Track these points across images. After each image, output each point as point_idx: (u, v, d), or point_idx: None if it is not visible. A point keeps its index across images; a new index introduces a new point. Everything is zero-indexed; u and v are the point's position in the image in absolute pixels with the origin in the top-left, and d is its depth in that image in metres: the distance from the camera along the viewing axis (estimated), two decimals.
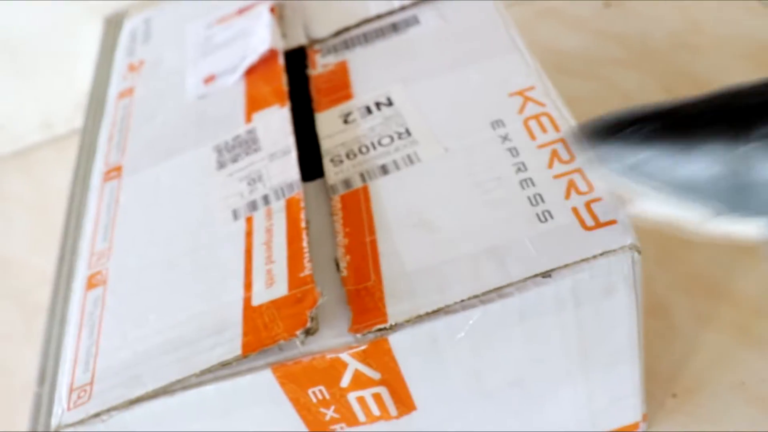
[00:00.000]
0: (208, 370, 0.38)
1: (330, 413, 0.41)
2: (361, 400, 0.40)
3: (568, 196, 0.40)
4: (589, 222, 0.39)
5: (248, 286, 0.40)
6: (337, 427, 0.42)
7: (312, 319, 0.37)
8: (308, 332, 0.37)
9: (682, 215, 0.34)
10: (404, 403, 0.41)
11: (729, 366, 0.52)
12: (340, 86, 0.52)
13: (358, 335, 0.37)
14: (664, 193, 0.34)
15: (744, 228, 0.32)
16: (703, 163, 0.31)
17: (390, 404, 0.41)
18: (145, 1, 0.90)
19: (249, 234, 0.43)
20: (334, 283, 0.40)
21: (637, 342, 0.42)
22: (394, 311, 0.38)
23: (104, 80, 0.77)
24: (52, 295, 0.72)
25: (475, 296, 0.37)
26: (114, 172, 0.52)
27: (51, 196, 1.04)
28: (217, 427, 0.41)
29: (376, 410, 0.41)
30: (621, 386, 0.45)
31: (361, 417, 0.41)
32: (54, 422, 0.40)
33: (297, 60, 0.55)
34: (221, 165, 0.48)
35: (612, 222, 0.39)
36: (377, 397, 0.40)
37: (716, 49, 0.76)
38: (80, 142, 0.92)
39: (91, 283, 0.45)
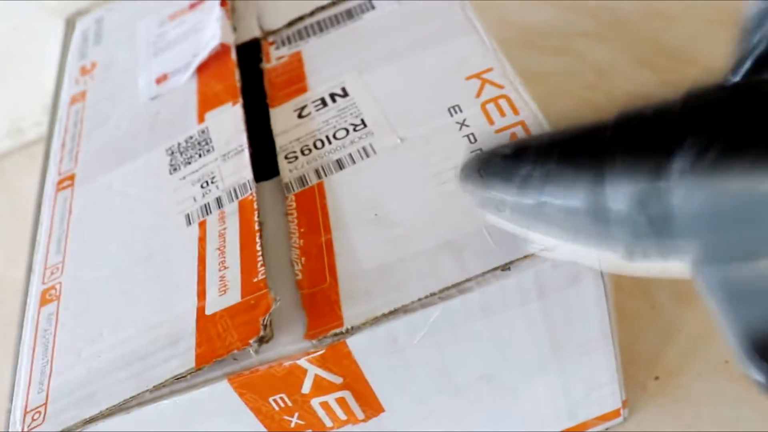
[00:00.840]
0: (163, 385, 0.36)
1: (294, 420, 0.39)
2: (326, 406, 0.39)
3: None
4: None
5: (201, 294, 0.39)
6: None
7: (265, 326, 0.36)
8: (262, 340, 0.36)
9: (592, 260, 0.32)
10: (371, 406, 0.40)
11: (711, 345, 0.51)
12: (295, 79, 0.50)
13: (315, 341, 0.36)
14: (566, 235, 0.32)
15: (666, 265, 0.30)
16: (612, 201, 0.29)
17: (356, 408, 0.39)
18: (106, 0, 0.89)
19: (202, 239, 0.41)
20: (290, 287, 0.38)
21: (609, 329, 0.41)
22: (351, 313, 0.36)
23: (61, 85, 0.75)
24: (20, 309, 0.70)
25: (434, 293, 0.36)
26: (67, 181, 0.51)
27: (24, 204, 1.02)
28: None
29: (342, 414, 0.40)
30: (597, 375, 0.44)
31: (328, 422, 0.40)
32: None
33: (251, 53, 0.53)
34: (174, 168, 0.47)
35: None
36: (342, 402, 0.39)
37: (688, 17, 0.75)
38: (45, 149, 0.90)
39: (44, 299, 0.44)
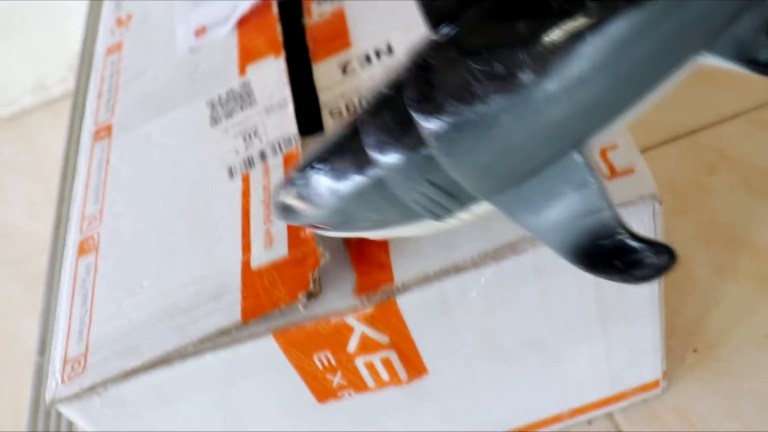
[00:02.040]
0: (207, 338, 0.36)
1: (337, 380, 0.39)
2: (370, 365, 0.38)
3: None
4: (606, 171, 0.36)
5: (246, 247, 0.38)
6: (344, 393, 0.40)
7: (314, 281, 0.35)
8: (310, 295, 0.35)
9: (415, 232, 0.34)
10: (415, 367, 0.39)
11: (751, 318, 0.50)
12: (338, 35, 0.49)
13: (364, 298, 0.35)
14: (383, 225, 0.34)
15: (473, 212, 0.32)
16: (393, 185, 0.31)
17: (400, 369, 0.39)
18: None
19: (246, 193, 0.41)
20: (337, 244, 0.38)
21: (657, 297, 0.40)
22: (401, 271, 0.36)
23: (93, 37, 0.74)
24: (49, 263, 0.70)
25: (487, 253, 0.35)
26: (104, 131, 0.50)
27: (47, 160, 1.02)
28: (220, 396, 0.39)
29: (385, 375, 0.39)
30: (641, 344, 0.43)
31: (370, 383, 0.39)
32: (48, 396, 0.38)
33: (291, 8, 0.52)
34: (215, 121, 0.46)
35: (630, 171, 0.36)
36: (386, 362, 0.38)
37: None
38: (72, 103, 0.90)
39: (82, 249, 0.43)
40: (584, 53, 0.26)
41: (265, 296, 0.36)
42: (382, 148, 0.31)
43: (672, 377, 0.49)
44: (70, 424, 0.60)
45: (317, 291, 0.35)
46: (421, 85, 0.29)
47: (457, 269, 0.35)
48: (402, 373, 0.39)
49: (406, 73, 0.30)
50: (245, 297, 0.36)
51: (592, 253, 0.29)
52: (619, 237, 0.28)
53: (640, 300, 0.40)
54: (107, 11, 0.61)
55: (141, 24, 0.57)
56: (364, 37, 0.48)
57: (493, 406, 0.44)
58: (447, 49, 0.29)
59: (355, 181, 0.32)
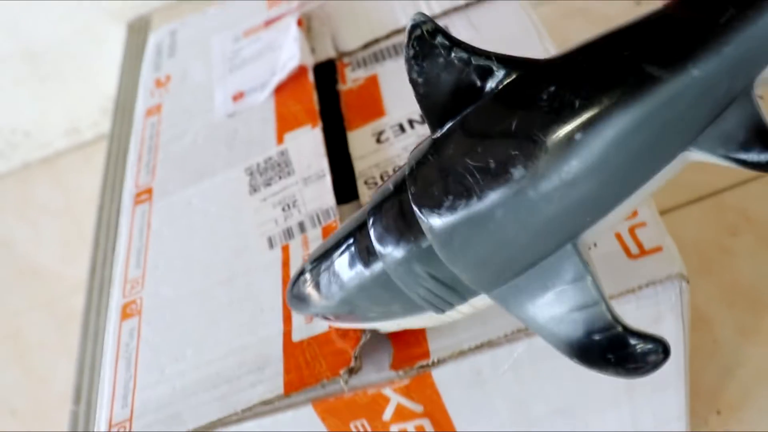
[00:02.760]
0: (250, 409, 0.37)
1: None
2: None
3: None
4: (634, 250, 0.38)
5: (287, 319, 0.40)
6: None
7: (356, 358, 0.36)
8: (352, 371, 0.36)
9: (417, 324, 0.36)
10: None
11: None
12: (372, 102, 0.51)
13: (401, 371, 0.37)
14: (384, 317, 0.36)
15: (472, 305, 0.33)
16: (396, 277, 0.33)
17: None
18: (169, 4, 0.90)
19: (285, 264, 0.42)
20: None
21: (683, 366, 0.41)
22: (437, 346, 0.37)
23: (129, 88, 0.77)
24: (84, 310, 0.71)
25: (520, 329, 0.37)
26: (144, 194, 0.52)
27: (80, 203, 1.04)
28: None
29: None
30: (667, 411, 0.44)
31: None
32: None
33: (326, 73, 0.54)
34: (254, 189, 0.47)
35: (658, 249, 0.38)
36: (420, 429, 0.40)
37: None
38: (107, 151, 0.92)
39: (125, 313, 0.45)
40: (574, 151, 0.27)
41: (307, 370, 0.37)
42: (386, 241, 0.32)
43: None
44: None
45: (358, 366, 0.37)
46: (421, 180, 0.31)
47: (490, 344, 0.37)
48: None
49: (409, 170, 0.32)
50: (287, 370, 0.38)
51: (586, 347, 0.30)
52: (613, 331, 0.29)
53: (667, 371, 0.41)
54: (146, 72, 0.63)
55: (180, 86, 0.59)
56: (397, 105, 0.50)
57: None
58: (445, 146, 0.31)
59: (360, 273, 0.34)
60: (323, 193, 0.45)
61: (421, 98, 0.32)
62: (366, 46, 0.55)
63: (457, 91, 0.31)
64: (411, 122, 0.48)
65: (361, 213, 0.35)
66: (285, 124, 0.51)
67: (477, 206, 0.29)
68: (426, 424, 0.39)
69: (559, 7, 0.85)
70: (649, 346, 0.29)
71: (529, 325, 0.31)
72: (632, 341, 0.29)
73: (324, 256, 0.36)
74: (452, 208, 0.29)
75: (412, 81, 0.31)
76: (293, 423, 0.38)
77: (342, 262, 0.35)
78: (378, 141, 0.48)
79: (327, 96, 0.52)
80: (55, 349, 0.90)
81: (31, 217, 1.06)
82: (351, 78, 0.53)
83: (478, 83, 0.30)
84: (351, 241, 0.35)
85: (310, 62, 0.54)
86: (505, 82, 0.30)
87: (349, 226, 0.35)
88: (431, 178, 0.31)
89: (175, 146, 0.54)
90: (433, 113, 0.32)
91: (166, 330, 0.43)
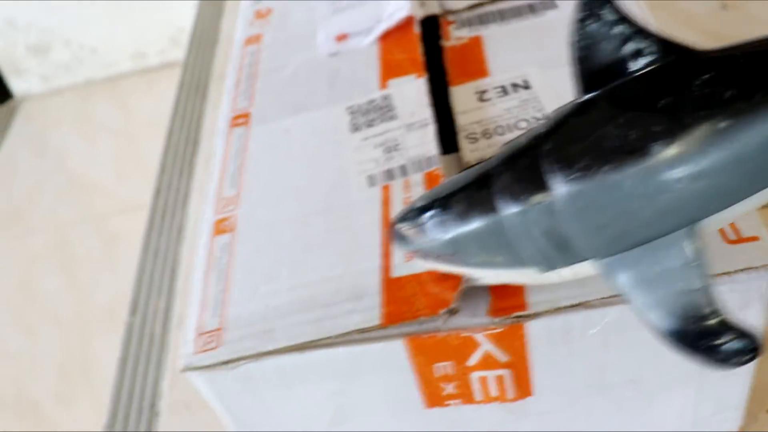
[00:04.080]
0: (344, 335, 0.38)
1: (449, 389, 0.41)
2: (483, 380, 0.41)
3: None
4: (732, 236, 0.39)
5: (386, 255, 0.41)
6: (452, 402, 0.42)
7: (457, 299, 0.38)
8: (451, 312, 0.38)
9: (516, 279, 0.37)
10: (523, 388, 0.42)
11: None
12: (474, 62, 0.52)
13: (496, 319, 0.38)
14: (484, 265, 0.36)
15: (575, 270, 0.34)
16: (508, 225, 0.33)
17: (509, 387, 0.41)
18: None
19: (386, 203, 0.43)
20: None
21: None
22: (534, 300, 0.38)
23: (208, 20, 0.78)
24: (146, 228, 0.73)
25: (616, 295, 0.38)
26: (242, 118, 0.53)
27: (138, 126, 1.06)
28: (337, 389, 0.41)
29: (494, 391, 0.42)
30: (729, 397, 0.45)
31: (478, 396, 0.42)
32: (182, 363, 0.40)
33: (430, 28, 0.55)
34: (356, 127, 0.48)
35: (755, 238, 0.38)
36: (499, 379, 0.41)
37: None
38: (181, 78, 0.93)
39: (218, 229, 0.46)
40: (716, 140, 0.28)
41: (406, 305, 0.38)
42: (510, 193, 0.33)
43: None
44: (155, 382, 0.63)
45: (457, 308, 0.38)
46: (559, 140, 0.32)
47: (586, 305, 0.38)
48: (510, 391, 0.42)
49: (546, 129, 0.33)
50: (385, 303, 0.39)
51: (680, 331, 0.31)
52: (710, 321, 0.30)
53: None
54: (246, 2, 0.63)
55: (281, 20, 0.60)
56: (501, 68, 0.51)
57: None
58: (590, 111, 0.32)
59: (475, 221, 0.35)
60: (426, 141, 0.46)
61: (576, 61, 0.32)
62: (472, 7, 0.56)
63: (612, 62, 0.32)
64: (515, 86, 0.49)
65: (485, 163, 0.36)
66: (389, 70, 0.52)
67: (609, 174, 0.30)
68: (506, 374, 0.41)
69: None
70: (742, 343, 0.30)
71: (629, 299, 0.32)
72: (727, 335, 0.30)
73: (439, 196, 0.37)
74: (585, 171, 0.30)
75: (572, 43, 0.32)
76: (381, 356, 0.39)
77: (458, 203, 0.36)
78: (480, 99, 0.49)
79: (430, 50, 0.53)
80: (100, 263, 0.91)
81: (89, 134, 1.07)
82: (455, 36, 0.54)
83: (635, 59, 0.31)
84: (472, 185, 0.36)
85: (417, 14, 0.54)
86: (661, 62, 0.31)
87: (470, 174, 0.36)
88: (569, 138, 0.32)
89: (275, 77, 0.55)
90: (583, 78, 0.32)
91: (261, 250, 0.44)
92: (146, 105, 1.07)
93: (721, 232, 0.39)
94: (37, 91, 1.15)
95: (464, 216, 0.35)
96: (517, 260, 0.35)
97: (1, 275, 0.92)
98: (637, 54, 0.31)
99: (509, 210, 0.33)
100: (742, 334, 0.30)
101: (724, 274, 0.38)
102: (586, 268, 0.34)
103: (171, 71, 1.03)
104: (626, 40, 0.31)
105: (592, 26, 0.32)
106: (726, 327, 0.30)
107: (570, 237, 0.32)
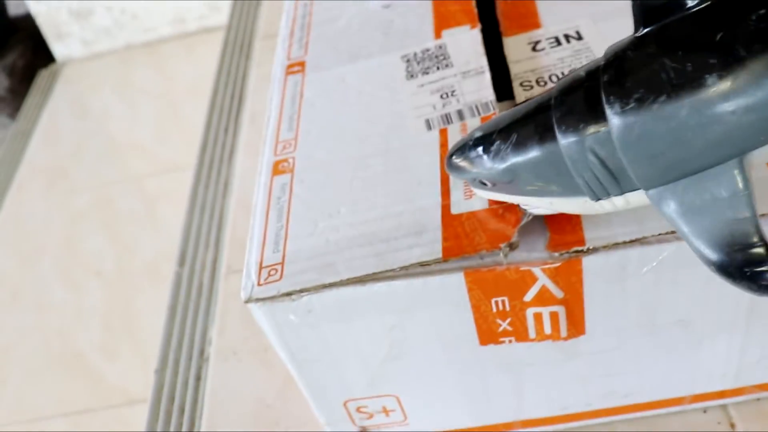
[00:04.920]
0: (406, 268, 0.39)
1: (504, 325, 0.42)
2: (538, 317, 0.42)
3: None
4: None
5: (445, 194, 0.42)
6: (506, 339, 0.43)
7: (517, 234, 0.39)
8: (511, 247, 0.38)
9: (569, 207, 0.38)
10: (576, 326, 0.43)
11: None
12: (527, 13, 0.52)
13: (555, 253, 0.39)
14: (541, 192, 0.38)
15: (628, 199, 0.35)
16: (566, 152, 0.35)
17: (563, 325, 0.42)
18: None
19: (444, 145, 0.44)
20: None
21: None
22: (592, 235, 0.39)
23: None
24: (193, 183, 0.74)
25: (672, 232, 0.38)
26: (297, 66, 0.54)
27: (177, 90, 1.07)
28: (394, 323, 0.42)
29: (548, 329, 0.43)
30: None
31: (532, 333, 0.43)
32: (244, 295, 0.42)
33: None
34: (411, 75, 0.49)
35: None
36: (554, 316, 0.42)
37: None
38: (225, 38, 0.94)
39: (277, 170, 0.47)
40: (766, 74, 0.29)
41: (466, 240, 0.39)
42: (568, 120, 0.34)
43: None
44: (204, 329, 0.64)
45: (517, 244, 0.39)
46: (617, 72, 0.33)
47: (641, 241, 0.38)
48: (563, 329, 0.43)
49: (605, 61, 0.34)
50: (446, 237, 0.40)
51: (727, 258, 0.32)
52: (756, 248, 0.31)
53: None
54: None
55: None
56: (553, 20, 0.51)
57: (629, 377, 0.47)
58: (647, 44, 0.32)
59: (534, 148, 0.36)
60: (482, 87, 0.47)
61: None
62: None
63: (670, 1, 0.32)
64: (567, 37, 0.50)
65: (543, 95, 0.37)
66: (443, 21, 0.52)
67: (665, 104, 0.31)
68: (561, 312, 0.41)
69: None
70: None
71: (678, 227, 0.33)
72: None
73: (497, 125, 0.38)
74: (641, 102, 0.31)
75: None
76: (441, 289, 0.40)
77: (517, 133, 0.37)
78: (534, 49, 0.49)
79: (483, 2, 0.54)
80: (142, 221, 0.93)
81: (130, 97, 1.09)
82: None
83: None
84: (530, 115, 0.37)
85: None
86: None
87: (528, 105, 0.37)
88: (626, 70, 0.32)
89: (329, 28, 0.56)
90: (641, 13, 0.33)
91: (320, 189, 0.45)
92: (186, 70, 1.08)
93: None
94: (79, 55, 1.16)
95: (522, 144, 0.36)
96: (571, 188, 0.36)
97: (46, 232, 0.94)
98: None
99: (567, 138, 0.34)
100: None
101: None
102: (638, 198, 0.35)
103: (210, 36, 1.04)
104: None
105: None
106: None
107: (624, 165, 0.33)
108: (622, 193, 0.35)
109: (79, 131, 1.06)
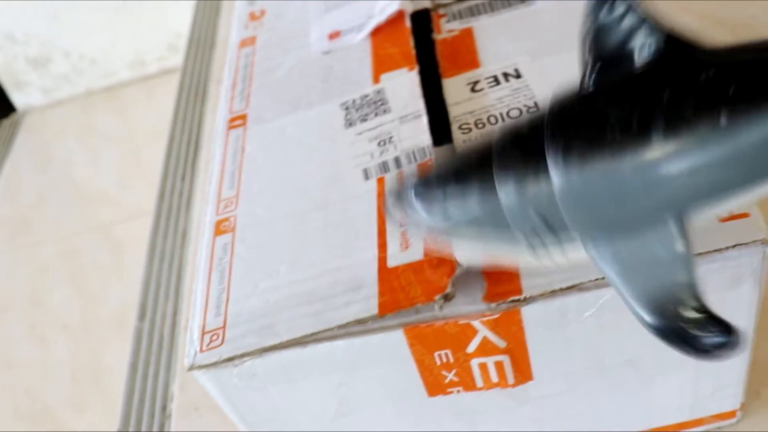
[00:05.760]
0: (344, 326, 0.39)
1: (450, 376, 0.42)
2: (483, 367, 0.41)
3: None
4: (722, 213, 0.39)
5: (382, 246, 0.41)
6: (454, 390, 0.43)
7: (452, 285, 0.38)
8: (446, 298, 0.38)
9: (507, 259, 0.38)
10: (522, 373, 0.42)
11: None
12: (466, 53, 0.52)
13: (492, 304, 0.38)
14: (480, 243, 0.37)
15: (567, 255, 0.34)
16: (504, 205, 0.34)
17: (509, 373, 0.42)
18: None
19: (381, 195, 0.44)
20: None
21: (751, 333, 0.43)
22: (529, 284, 0.39)
23: (205, 24, 0.78)
24: (151, 233, 0.74)
25: None
26: (239, 120, 0.53)
27: (140, 134, 1.07)
28: (340, 382, 0.42)
29: (495, 377, 0.42)
30: (728, 374, 0.46)
31: (479, 383, 0.42)
32: (188, 362, 0.41)
33: (421, 22, 0.56)
34: (349, 123, 0.49)
35: (745, 215, 0.39)
36: (499, 365, 0.41)
37: None
38: (180, 82, 0.94)
39: (219, 229, 0.47)
40: (717, 136, 0.29)
41: (402, 294, 0.39)
42: (507, 173, 0.34)
43: (745, 410, 0.51)
44: (166, 385, 0.64)
45: (452, 294, 0.38)
46: (558, 123, 0.32)
47: (580, 288, 0.38)
48: (510, 377, 0.42)
49: (549, 113, 0.33)
50: (382, 292, 0.39)
51: (663, 323, 0.32)
52: (692, 314, 0.31)
53: None
54: (241, 5, 0.64)
55: (275, 21, 0.61)
56: (492, 59, 0.51)
57: (582, 417, 0.47)
58: (592, 96, 0.32)
59: (472, 199, 0.35)
60: (419, 132, 0.46)
61: (584, 44, 0.33)
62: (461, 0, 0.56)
63: (620, 50, 0.32)
64: (506, 75, 0.49)
65: (483, 143, 0.36)
66: (381, 65, 0.52)
67: (608, 157, 0.30)
68: (506, 361, 0.41)
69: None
70: (722, 338, 0.31)
71: (616, 287, 0.33)
72: (708, 328, 0.31)
73: (437, 176, 0.37)
74: (584, 154, 0.31)
75: (584, 28, 0.33)
76: (381, 347, 0.40)
77: (454, 183, 0.36)
78: (473, 90, 0.49)
79: (422, 43, 0.54)
80: (108, 271, 0.92)
81: (92, 144, 1.08)
82: (446, 29, 0.55)
83: (643, 49, 0.32)
84: (469, 165, 0.36)
85: (408, 8, 0.55)
86: (669, 55, 0.31)
87: (467, 154, 0.37)
88: (571, 125, 0.32)
89: (270, 78, 0.55)
90: (590, 61, 0.33)
91: (260, 247, 0.45)
92: (146, 113, 1.08)
93: None
94: (39, 103, 1.16)
95: (459, 195, 0.36)
96: (510, 240, 0.35)
97: (10, 285, 0.93)
98: (647, 45, 0.32)
99: (506, 191, 0.34)
100: (724, 327, 0.31)
101: (716, 251, 0.38)
102: (576, 254, 0.34)
103: (170, 77, 1.04)
104: (637, 29, 0.32)
105: (605, 13, 0.32)
106: (708, 321, 0.31)
107: (562, 220, 0.33)
108: (560, 246, 0.34)
109: (42, 181, 1.05)
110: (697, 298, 0.31)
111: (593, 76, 0.33)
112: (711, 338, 0.31)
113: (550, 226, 0.33)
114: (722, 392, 0.47)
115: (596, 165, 0.30)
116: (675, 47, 0.31)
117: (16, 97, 1.15)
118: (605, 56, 0.33)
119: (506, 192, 0.34)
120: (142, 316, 0.67)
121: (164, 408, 0.61)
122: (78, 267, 0.95)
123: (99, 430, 0.76)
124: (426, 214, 0.37)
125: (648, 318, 0.32)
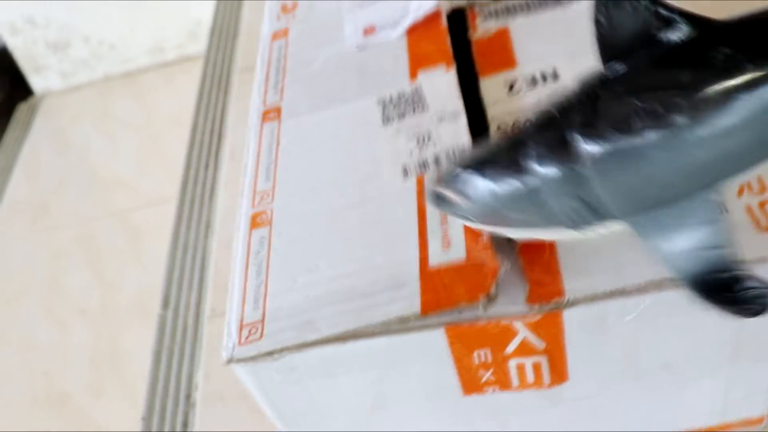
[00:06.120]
0: (386, 324, 0.39)
1: (487, 376, 0.42)
2: (520, 367, 0.42)
3: (740, 193, 0.41)
4: (764, 222, 0.39)
5: (423, 246, 0.42)
6: (489, 389, 0.43)
7: (495, 286, 0.38)
8: (490, 299, 0.38)
9: (548, 235, 0.38)
10: (558, 375, 0.42)
11: None
12: (503, 53, 0.52)
13: (535, 306, 0.39)
14: (524, 225, 0.38)
15: (608, 227, 0.36)
16: (545, 190, 0.35)
17: (546, 374, 0.42)
18: None
19: (420, 193, 0.44)
20: (509, 252, 0.41)
21: None
22: (572, 287, 0.39)
23: (227, 13, 0.78)
24: (174, 222, 0.74)
25: (652, 282, 0.38)
26: (272, 113, 0.53)
27: (158, 120, 1.06)
28: (378, 377, 0.42)
29: (531, 378, 0.42)
30: (760, 381, 0.46)
31: (515, 382, 0.43)
32: (225, 355, 0.41)
33: (457, 21, 0.56)
34: (387, 120, 0.49)
35: None
36: (536, 366, 0.42)
37: None
38: (203, 71, 0.94)
39: (255, 222, 0.47)
40: (735, 109, 0.30)
41: (444, 293, 0.39)
42: (542, 161, 0.35)
43: None
44: (190, 374, 0.64)
45: (495, 295, 0.39)
46: (586, 111, 0.33)
47: (622, 292, 0.38)
48: (546, 378, 0.42)
49: (573, 100, 0.34)
50: (424, 291, 0.39)
51: (706, 282, 0.33)
52: (732, 272, 0.33)
53: None
54: None
55: (307, 14, 0.61)
56: (529, 59, 0.51)
57: (614, 419, 0.47)
58: (615, 84, 0.33)
59: (511, 184, 0.36)
60: (458, 131, 0.46)
61: (600, 38, 0.34)
62: None
63: (636, 38, 0.33)
64: (544, 76, 0.49)
65: (516, 132, 0.37)
66: (418, 62, 0.52)
67: (635, 142, 0.31)
68: (543, 361, 0.41)
69: None
70: (760, 290, 0.32)
71: (659, 254, 0.34)
72: (749, 283, 0.32)
73: (476, 163, 0.38)
74: (613, 141, 0.32)
75: (596, 20, 0.33)
76: (422, 345, 0.40)
77: (494, 172, 0.37)
78: (510, 90, 0.49)
79: (458, 42, 0.54)
80: (126, 257, 0.92)
81: (110, 129, 1.08)
82: (481, 28, 0.55)
83: (659, 34, 0.32)
84: (505, 155, 0.37)
85: (445, 7, 0.55)
86: (684, 37, 0.32)
87: (503, 142, 0.38)
88: (597, 111, 0.33)
89: (304, 71, 0.55)
90: (607, 54, 0.34)
91: (298, 242, 0.45)
92: (165, 99, 1.07)
93: (754, 219, 0.40)
94: (57, 87, 1.16)
95: (500, 181, 0.37)
96: (552, 220, 0.36)
97: (28, 270, 0.93)
98: (662, 29, 0.32)
99: (544, 177, 0.35)
100: (760, 283, 0.32)
101: (755, 261, 0.38)
102: (619, 226, 0.35)
103: (189, 65, 1.04)
104: (650, 15, 0.32)
105: (616, 3, 0.33)
106: (745, 277, 0.32)
107: (600, 199, 0.34)
108: (602, 222, 0.35)
109: (60, 165, 1.05)
110: (732, 260, 0.33)
111: (612, 60, 0.34)
112: (749, 292, 0.32)
113: (589, 205, 0.34)
114: (752, 398, 0.47)
115: (623, 149, 0.31)
116: (690, 27, 0.32)
117: (35, 81, 1.15)
118: (620, 40, 0.34)
119: (544, 177, 0.35)
120: (165, 305, 0.67)
121: (188, 396, 0.62)
122: (95, 252, 0.95)
123: (117, 416, 0.76)
124: (469, 201, 0.38)
125: (689, 279, 0.33)
